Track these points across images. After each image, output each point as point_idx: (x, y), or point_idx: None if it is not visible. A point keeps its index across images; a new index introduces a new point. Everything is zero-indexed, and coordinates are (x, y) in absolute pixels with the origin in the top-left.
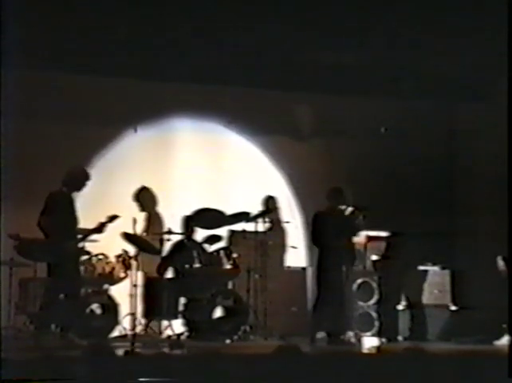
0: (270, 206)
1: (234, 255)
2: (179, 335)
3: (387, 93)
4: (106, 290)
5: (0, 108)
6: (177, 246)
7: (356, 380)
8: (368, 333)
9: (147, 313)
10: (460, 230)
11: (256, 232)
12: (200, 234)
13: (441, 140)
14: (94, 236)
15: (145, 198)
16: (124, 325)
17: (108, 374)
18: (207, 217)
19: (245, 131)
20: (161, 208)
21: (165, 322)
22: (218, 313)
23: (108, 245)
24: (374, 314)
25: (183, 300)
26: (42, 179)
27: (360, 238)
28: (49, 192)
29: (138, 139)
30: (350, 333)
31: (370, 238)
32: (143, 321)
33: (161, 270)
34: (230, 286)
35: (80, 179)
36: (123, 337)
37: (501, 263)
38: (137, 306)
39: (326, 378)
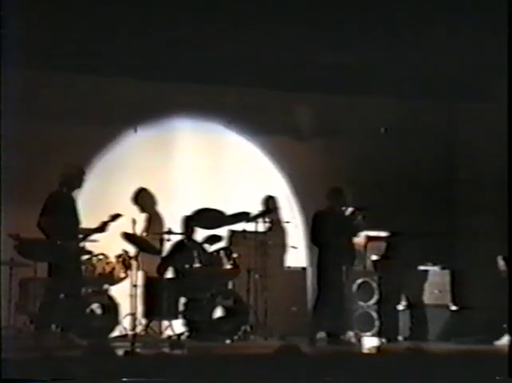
0: (270, 206)
1: (234, 255)
2: (179, 335)
3: (388, 93)
4: (106, 290)
5: (0, 108)
6: (177, 246)
7: (356, 380)
8: (368, 333)
9: (148, 313)
10: (460, 230)
11: (256, 232)
12: (200, 234)
13: (441, 140)
14: (94, 236)
15: (144, 199)
16: (124, 325)
17: (108, 374)
18: (207, 217)
19: (245, 131)
20: (161, 208)
21: (165, 322)
22: (218, 313)
23: (109, 245)
24: (374, 314)
25: (183, 300)
26: (42, 179)
27: (360, 238)
28: (49, 193)
29: (138, 139)
30: (350, 333)
31: (370, 238)
32: (143, 321)
33: (161, 270)
34: (230, 286)
35: (76, 177)
36: (123, 337)
37: (501, 263)
38: (137, 305)
39: (326, 378)
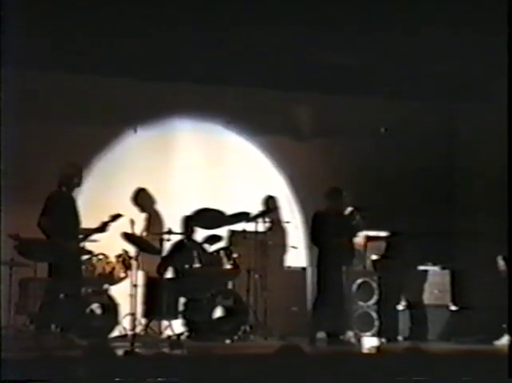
0: (270, 206)
1: (234, 255)
2: (179, 335)
3: (387, 93)
4: (106, 290)
5: (0, 108)
6: (177, 246)
7: (356, 380)
8: (368, 333)
9: (147, 313)
10: (460, 230)
11: (256, 232)
12: (200, 234)
13: (441, 139)
14: (94, 236)
15: (143, 199)
16: (124, 325)
17: (108, 374)
18: (207, 217)
19: (245, 131)
20: (161, 208)
21: (165, 322)
22: (218, 313)
23: (109, 245)
24: (374, 314)
25: (183, 300)
26: (42, 179)
27: (360, 238)
28: (48, 193)
29: (138, 139)
30: (350, 333)
31: (370, 238)
32: (143, 321)
33: (161, 270)
34: (230, 286)
35: (76, 177)
36: (123, 337)
37: (501, 263)
38: (137, 305)
39: (326, 378)
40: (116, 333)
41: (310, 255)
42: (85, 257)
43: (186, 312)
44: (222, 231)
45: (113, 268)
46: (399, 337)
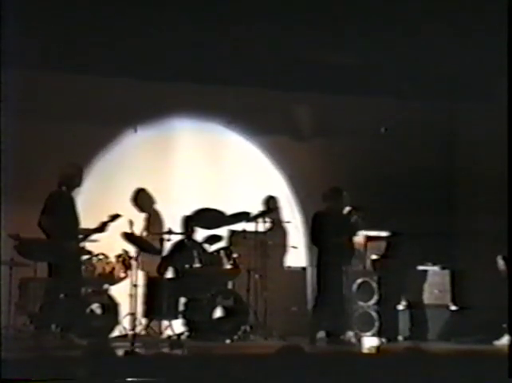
0: (271, 206)
1: (234, 255)
2: (179, 335)
3: (387, 93)
4: (106, 290)
5: (0, 108)
6: (177, 246)
7: (356, 380)
8: (368, 333)
9: (148, 313)
10: (460, 230)
11: (256, 232)
12: (200, 234)
13: (441, 139)
14: (94, 236)
15: (143, 199)
16: (124, 325)
17: (108, 374)
18: (207, 217)
19: (245, 131)
20: (161, 208)
21: (165, 322)
22: (218, 313)
23: (109, 245)
24: (374, 314)
25: (183, 300)
26: (42, 179)
27: (360, 237)
28: (48, 192)
29: (138, 139)
30: (350, 333)
31: (370, 238)
32: (143, 321)
33: (161, 270)
34: (230, 286)
35: (76, 177)
36: (123, 337)
37: (501, 263)
38: (137, 305)
39: (326, 378)
40: (116, 333)
41: (310, 255)
42: (85, 257)
43: (186, 312)
44: (222, 231)
45: (113, 268)
46: (399, 337)
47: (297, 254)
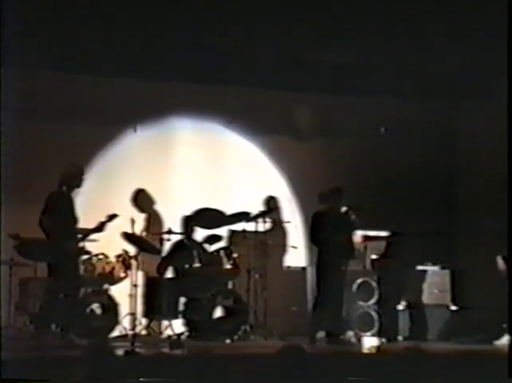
0: (271, 206)
1: (234, 255)
2: (179, 335)
3: (387, 93)
4: (106, 290)
5: (0, 108)
6: (177, 246)
7: (356, 380)
8: (368, 333)
9: (148, 313)
10: (460, 230)
11: (256, 232)
12: (200, 234)
13: (441, 139)
14: (94, 236)
15: (143, 200)
16: (124, 325)
17: (108, 374)
18: (207, 217)
19: (245, 131)
20: (161, 208)
21: (165, 322)
22: (218, 313)
23: (108, 245)
24: (374, 314)
25: (183, 300)
26: (42, 179)
27: (360, 237)
28: (49, 192)
29: (138, 139)
30: (350, 333)
31: (370, 238)
32: (143, 321)
33: (161, 269)
34: (230, 286)
35: (76, 177)
36: (123, 337)
37: (501, 263)
38: (137, 305)
39: (326, 378)
40: (116, 333)
41: (310, 255)
42: (85, 257)
43: (186, 312)
44: (222, 231)
45: (113, 268)
46: (399, 337)
47: (297, 254)
